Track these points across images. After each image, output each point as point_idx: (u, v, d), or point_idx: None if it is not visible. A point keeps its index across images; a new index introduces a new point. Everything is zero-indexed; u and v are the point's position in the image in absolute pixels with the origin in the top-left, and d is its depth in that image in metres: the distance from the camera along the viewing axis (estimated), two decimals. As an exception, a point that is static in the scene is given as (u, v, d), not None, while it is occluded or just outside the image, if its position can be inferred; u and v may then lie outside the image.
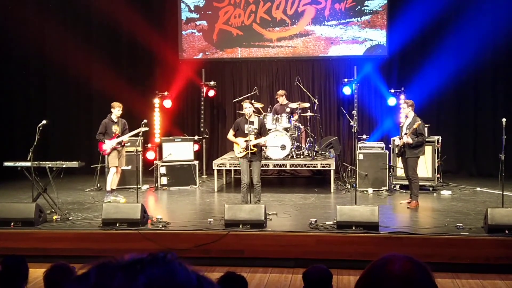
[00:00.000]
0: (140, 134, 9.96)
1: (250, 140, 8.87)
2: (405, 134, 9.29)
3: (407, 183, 9.87)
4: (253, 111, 9.21)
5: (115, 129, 10.21)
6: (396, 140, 9.75)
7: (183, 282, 0.89)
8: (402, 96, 12.06)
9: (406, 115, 9.60)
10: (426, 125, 11.17)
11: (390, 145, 11.33)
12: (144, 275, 0.88)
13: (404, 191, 10.75)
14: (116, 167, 10.24)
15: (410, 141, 9.19)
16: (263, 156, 11.01)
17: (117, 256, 0.93)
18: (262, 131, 9.10)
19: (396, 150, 9.81)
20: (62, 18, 13.90)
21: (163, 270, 0.90)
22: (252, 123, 9.01)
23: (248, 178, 8.99)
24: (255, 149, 8.95)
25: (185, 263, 0.93)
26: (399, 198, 10.16)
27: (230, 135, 9.29)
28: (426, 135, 9.67)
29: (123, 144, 10.31)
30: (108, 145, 10.10)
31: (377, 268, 1.23)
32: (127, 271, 0.89)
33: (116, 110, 10.24)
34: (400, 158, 9.80)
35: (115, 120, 10.26)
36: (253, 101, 11.25)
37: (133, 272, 0.88)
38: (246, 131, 8.93)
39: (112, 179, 10.25)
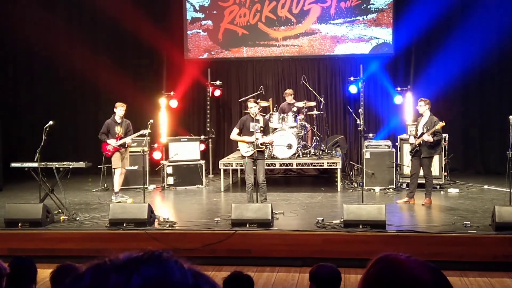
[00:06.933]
0: (146, 134, 9.95)
1: (258, 139, 8.86)
2: (423, 133, 9.25)
3: (409, 181, 9.85)
4: (258, 110, 9.17)
5: (118, 130, 10.15)
6: (411, 139, 9.66)
7: (179, 281, 0.88)
8: (409, 93, 11.98)
9: (422, 113, 9.54)
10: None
11: (396, 144, 11.30)
12: (138, 275, 0.87)
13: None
14: (120, 168, 10.23)
15: (431, 139, 9.17)
16: (269, 155, 11.08)
17: (113, 255, 0.92)
18: (265, 130, 9.09)
19: (410, 149, 9.74)
20: (67, 20, 13.93)
21: (158, 269, 0.89)
22: (258, 121, 9.01)
23: (253, 178, 8.98)
24: (263, 148, 8.94)
25: (182, 260, 0.92)
26: (404, 196, 10.10)
27: (234, 134, 9.17)
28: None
29: (126, 146, 10.28)
30: (110, 145, 10.07)
31: (391, 272, 1.18)
32: (122, 272, 0.88)
33: (119, 110, 10.15)
34: (412, 157, 9.68)
35: (118, 121, 10.20)
36: (258, 100, 11.27)
37: (128, 272, 0.87)
38: (252, 129, 8.91)
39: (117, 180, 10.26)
